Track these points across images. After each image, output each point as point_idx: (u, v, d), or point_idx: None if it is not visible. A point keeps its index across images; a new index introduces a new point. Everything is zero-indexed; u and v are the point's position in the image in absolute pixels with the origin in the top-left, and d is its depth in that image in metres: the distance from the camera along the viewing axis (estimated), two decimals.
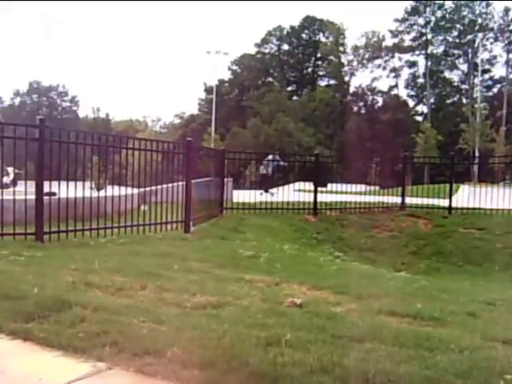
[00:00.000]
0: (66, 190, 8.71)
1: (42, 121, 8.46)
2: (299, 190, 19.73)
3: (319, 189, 16.57)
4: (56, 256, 6.84)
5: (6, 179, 13.33)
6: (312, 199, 16.14)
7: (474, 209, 16.98)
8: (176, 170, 11.91)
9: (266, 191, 19.64)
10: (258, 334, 3.71)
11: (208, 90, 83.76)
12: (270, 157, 20.45)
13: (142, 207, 11.41)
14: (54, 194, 9.23)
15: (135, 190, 11.73)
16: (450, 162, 19.87)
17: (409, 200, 17.91)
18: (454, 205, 17.29)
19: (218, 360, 3.23)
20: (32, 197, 8.43)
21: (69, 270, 5.75)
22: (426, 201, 17.78)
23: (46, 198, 8.59)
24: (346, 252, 13.50)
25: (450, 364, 3.38)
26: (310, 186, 17.79)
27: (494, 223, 15.77)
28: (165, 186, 11.65)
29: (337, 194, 18.27)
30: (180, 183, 11.25)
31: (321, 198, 16.41)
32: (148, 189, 12.09)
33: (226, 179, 15.32)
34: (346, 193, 18.68)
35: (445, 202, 17.57)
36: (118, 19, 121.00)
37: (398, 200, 17.72)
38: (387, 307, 5.09)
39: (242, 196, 15.86)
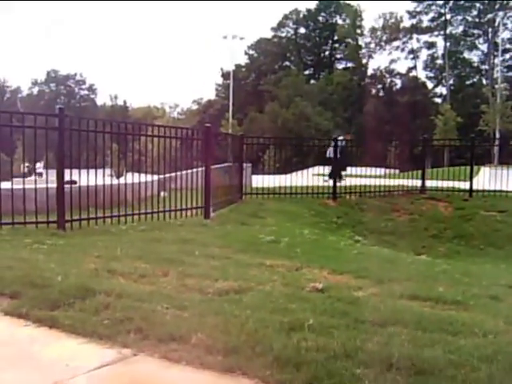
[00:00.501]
0: (86, 178, 8.78)
1: (61, 110, 8.52)
2: (318, 175, 19.65)
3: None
4: (78, 244, 6.92)
5: (39, 168, 13.39)
6: (331, 183, 16.09)
7: (494, 191, 16.83)
8: (195, 156, 11.94)
9: (332, 177, 19.11)
10: (281, 319, 3.72)
11: (225, 76, 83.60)
12: (340, 138, 19.93)
13: (162, 194, 11.46)
14: (75, 182, 9.30)
15: (154, 177, 11.76)
16: (470, 144, 19.61)
17: (429, 183, 17.77)
18: (474, 187, 17.13)
19: (241, 345, 3.26)
20: (53, 185, 8.51)
21: (91, 258, 5.80)
22: (446, 184, 17.65)
23: (66, 186, 8.66)
24: (366, 236, 13.45)
25: (474, 348, 3.37)
26: (328, 170, 17.71)
27: None
28: (184, 172, 11.69)
29: (356, 177, 18.19)
30: (199, 169, 11.28)
31: (340, 181, 16.35)
32: (167, 175, 12.12)
33: (244, 164, 15.31)
34: (366, 176, 18.61)
35: (465, 185, 17.40)
36: (135, 5, 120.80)
37: (418, 183, 17.57)
38: (409, 291, 5.08)
39: (261, 181, 15.84)
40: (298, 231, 10.65)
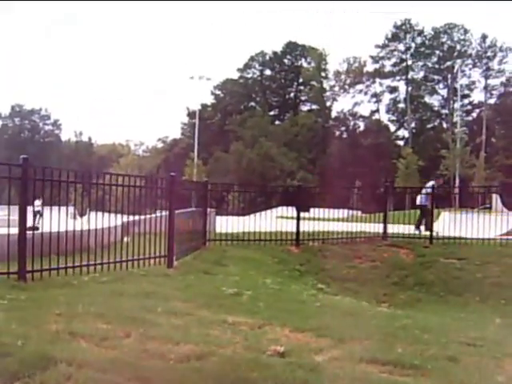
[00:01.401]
0: (48, 219, 8.71)
1: (25, 160, 8.47)
2: (281, 217, 19.74)
3: (301, 215, 16.60)
4: (39, 298, 6.83)
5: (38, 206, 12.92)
6: (294, 227, 16.17)
7: (454, 238, 17.14)
8: (160, 201, 11.95)
9: (418, 227, 18.87)
10: None
11: (191, 115, 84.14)
12: (431, 183, 19.55)
13: (125, 239, 11.41)
14: (37, 228, 9.23)
15: (118, 219, 11.59)
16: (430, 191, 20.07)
17: (390, 228, 17.98)
18: (434, 234, 17.43)
19: None
20: (15, 231, 8.40)
21: (52, 316, 5.74)
22: (407, 228, 17.88)
23: (28, 232, 8.57)
24: (329, 283, 13.54)
25: None
26: (292, 210, 17.74)
27: (474, 253, 15.92)
28: (148, 216, 11.68)
29: (319, 221, 18.28)
30: (163, 213, 11.28)
31: (303, 226, 16.40)
32: (131, 219, 12.09)
33: (208, 209, 15.34)
34: (329, 220, 18.74)
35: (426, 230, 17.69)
36: (101, 42, 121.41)
37: (380, 228, 17.77)
38: (369, 353, 5.16)
39: (225, 224, 15.79)
40: (260, 281, 10.70)
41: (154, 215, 11.60)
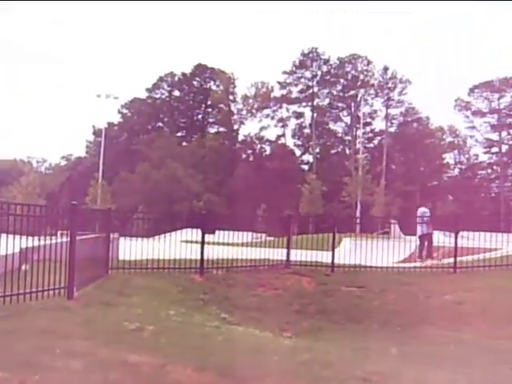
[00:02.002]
0: None
1: None
2: (186, 241, 19.56)
3: (207, 238, 16.51)
4: None
5: None
6: (199, 253, 16.04)
7: (355, 266, 17.68)
8: (61, 222, 11.60)
9: (420, 257, 18.48)
10: None
11: (97, 133, 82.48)
12: (424, 210, 19.18)
13: (23, 267, 10.97)
14: None
15: (16, 241, 10.94)
16: (331, 219, 20.68)
17: (293, 255, 18.22)
18: (336, 260, 17.85)
19: None
20: None
21: None
22: (310, 255, 18.17)
23: None
24: (232, 313, 13.52)
25: None
26: (197, 233, 17.54)
27: (372, 280, 16.42)
28: (48, 242, 11.30)
29: (224, 245, 18.23)
30: (64, 239, 10.94)
31: (208, 251, 16.29)
32: (30, 246, 11.61)
33: (111, 236, 15.02)
34: (233, 244, 18.76)
35: (328, 256, 18.03)
36: (7, 54, 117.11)
37: (284, 255, 17.96)
38: None
39: (128, 248, 15.35)
40: (163, 312, 10.56)
41: (55, 240, 11.22)
